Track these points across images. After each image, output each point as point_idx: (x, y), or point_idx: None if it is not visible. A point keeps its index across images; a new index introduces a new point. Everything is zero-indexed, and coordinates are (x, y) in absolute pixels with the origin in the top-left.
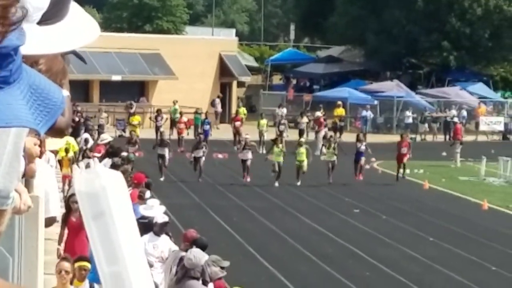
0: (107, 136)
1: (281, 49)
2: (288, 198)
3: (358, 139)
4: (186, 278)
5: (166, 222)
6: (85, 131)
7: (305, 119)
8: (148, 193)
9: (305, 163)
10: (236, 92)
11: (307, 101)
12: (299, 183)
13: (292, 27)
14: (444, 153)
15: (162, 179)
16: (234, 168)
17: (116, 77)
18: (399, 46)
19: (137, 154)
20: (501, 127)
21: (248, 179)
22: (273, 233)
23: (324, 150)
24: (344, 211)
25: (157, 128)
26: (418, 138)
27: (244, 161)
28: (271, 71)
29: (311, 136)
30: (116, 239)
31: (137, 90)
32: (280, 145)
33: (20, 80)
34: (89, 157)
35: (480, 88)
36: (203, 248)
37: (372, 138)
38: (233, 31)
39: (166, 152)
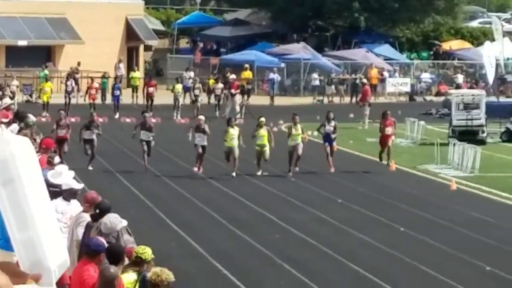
0: (8, 100)
1: (187, 13)
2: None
3: (327, 118)
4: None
5: (76, 188)
6: None
7: (220, 85)
8: (57, 159)
9: (267, 149)
10: (143, 56)
11: (214, 64)
12: (259, 173)
13: None
14: (351, 115)
15: (90, 168)
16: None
17: (22, 42)
18: (305, 8)
19: (44, 119)
20: (407, 89)
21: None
22: (183, 198)
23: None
24: (254, 175)
25: (67, 93)
26: (326, 100)
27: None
28: (178, 34)
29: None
30: (26, 205)
31: (43, 55)
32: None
33: None
34: None
35: (386, 49)
36: (106, 210)
37: (279, 100)
38: None
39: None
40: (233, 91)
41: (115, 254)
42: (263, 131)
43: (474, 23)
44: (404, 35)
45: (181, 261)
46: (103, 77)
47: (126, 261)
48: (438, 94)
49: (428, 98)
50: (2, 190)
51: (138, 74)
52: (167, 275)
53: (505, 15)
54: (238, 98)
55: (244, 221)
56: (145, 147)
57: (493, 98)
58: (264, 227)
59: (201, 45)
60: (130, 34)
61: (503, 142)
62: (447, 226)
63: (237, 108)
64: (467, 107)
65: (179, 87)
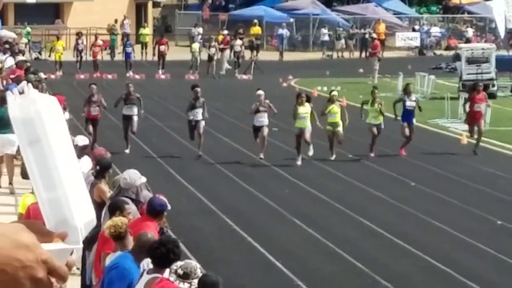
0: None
1: None
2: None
3: (405, 91)
4: (121, 197)
5: (86, 145)
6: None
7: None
8: (67, 115)
9: (340, 128)
10: (152, 13)
11: (223, 20)
12: (333, 157)
13: None
14: (361, 70)
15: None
16: (155, 92)
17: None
18: None
19: (53, 76)
20: (417, 43)
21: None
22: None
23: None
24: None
25: (79, 52)
26: (335, 55)
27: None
28: None
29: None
30: (53, 165)
31: (52, 13)
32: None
33: None
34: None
35: (395, 3)
36: (107, 167)
37: (289, 56)
38: None
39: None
40: (222, 46)
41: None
42: (336, 107)
43: None
44: None
45: (192, 217)
46: (111, 34)
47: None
48: (448, 48)
49: (438, 52)
50: (28, 150)
51: (148, 31)
52: (122, 223)
53: None
54: (226, 53)
55: (253, 176)
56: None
57: (503, 52)
58: (274, 182)
59: (209, 0)
60: None
61: None
62: (458, 181)
63: (226, 65)
64: (477, 61)
65: (195, 46)
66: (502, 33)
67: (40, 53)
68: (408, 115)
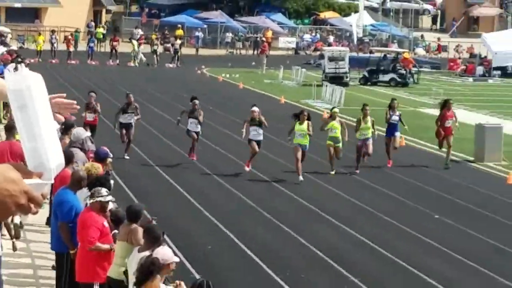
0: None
1: None
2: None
3: (390, 107)
4: (71, 147)
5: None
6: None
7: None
8: None
9: (340, 144)
10: (105, 17)
11: (156, 24)
12: (333, 172)
13: None
14: (253, 63)
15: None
16: (108, 75)
17: (17, 4)
18: None
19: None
20: (293, 45)
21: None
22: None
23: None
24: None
25: (52, 44)
26: (235, 52)
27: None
28: (130, 2)
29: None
30: (36, 124)
31: (33, 14)
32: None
33: None
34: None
35: (279, 17)
36: (71, 126)
37: (202, 51)
38: None
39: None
40: (140, 41)
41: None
42: (336, 124)
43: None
44: (292, 7)
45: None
46: (75, 31)
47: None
48: (315, 50)
49: (308, 52)
50: (18, 113)
51: (102, 30)
52: (96, 168)
53: None
54: (142, 47)
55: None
56: (195, 136)
57: (354, 53)
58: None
59: (146, 10)
60: (96, 1)
61: (361, 85)
62: (317, 142)
63: (141, 56)
64: (336, 59)
65: (135, 43)
66: (354, 40)
67: (23, 43)
68: (392, 128)
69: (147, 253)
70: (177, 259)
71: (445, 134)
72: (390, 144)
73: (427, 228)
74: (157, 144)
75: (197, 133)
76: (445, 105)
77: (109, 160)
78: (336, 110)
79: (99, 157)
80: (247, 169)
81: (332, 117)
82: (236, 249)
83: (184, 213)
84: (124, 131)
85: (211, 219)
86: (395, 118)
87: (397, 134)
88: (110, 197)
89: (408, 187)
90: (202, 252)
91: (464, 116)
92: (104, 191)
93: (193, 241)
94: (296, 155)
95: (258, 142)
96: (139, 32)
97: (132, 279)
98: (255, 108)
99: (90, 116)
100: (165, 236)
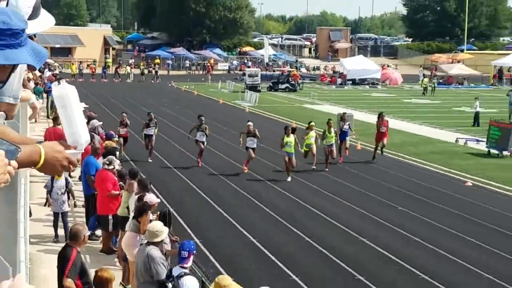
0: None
1: (130, 33)
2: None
3: (342, 119)
4: (89, 132)
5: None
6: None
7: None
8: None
9: (314, 147)
10: (111, 52)
11: (143, 57)
12: (314, 167)
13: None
14: (202, 79)
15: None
16: (114, 87)
17: (58, 45)
18: (183, 33)
19: (68, 79)
20: (226, 68)
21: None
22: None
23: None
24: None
25: (80, 70)
26: (192, 72)
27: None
28: (127, 43)
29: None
30: (72, 116)
31: (67, 51)
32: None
33: (26, 44)
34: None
35: (218, 50)
36: (90, 119)
37: (172, 72)
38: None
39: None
40: (131, 67)
41: None
42: (313, 133)
43: (256, 40)
44: (226, 44)
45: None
46: (93, 61)
47: None
48: (240, 70)
49: (236, 72)
50: (60, 110)
51: (110, 60)
52: (111, 144)
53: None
54: (133, 70)
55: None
56: (201, 146)
57: (263, 72)
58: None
59: (137, 47)
60: (106, 42)
61: (268, 91)
62: (230, 132)
63: (132, 76)
64: (252, 75)
65: (128, 68)
66: (264, 63)
67: (62, 69)
68: (343, 134)
69: (139, 196)
70: (158, 200)
71: (381, 137)
72: (342, 146)
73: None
74: (164, 146)
75: (203, 142)
76: (379, 117)
77: (115, 139)
78: (312, 123)
79: (108, 137)
80: (245, 169)
81: (309, 128)
82: (236, 231)
83: (194, 202)
84: (147, 141)
85: (216, 208)
86: (346, 127)
87: (347, 138)
88: (117, 161)
89: (359, 178)
90: (208, 232)
91: (331, 109)
92: (113, 158)
93: (200, 223)
94: (285, 160)
95: (253, 149)
96: (132, 61)
97: (131, 214)
98: (250, 123)
99: (122, 130)
100: (168, 210)
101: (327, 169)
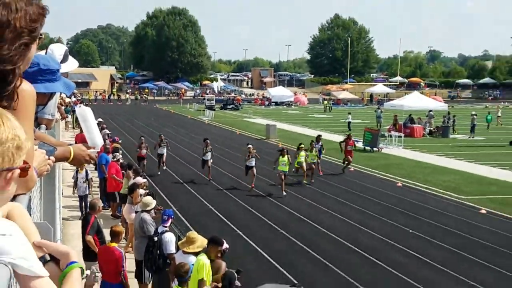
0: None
1: (127, 72)
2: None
3: (316, 139)
4: None
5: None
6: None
7: (146, 94)
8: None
9: (304, 164)
10: (116, 84)
11: (137, 87)
12: (305, 182)
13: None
14: (177, 102)
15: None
16: (118, 107)
17: (79, 80)
18: (163, 71)
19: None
20: (193, 94)
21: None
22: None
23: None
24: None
25: (95, 96)
26: (169, 98)
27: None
28: (126, 78)
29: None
30: (90, 127)
31: (85, 84)
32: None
33: (60, 79)
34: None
35: (187, 83)
36: (101, 129)
37: (157, 98)
38: None
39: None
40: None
41: None
42: (302, 152)
43: (212, 76)
44: (192, 78)
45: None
46: (104, 91)
47: None
48: (201, 96)
49: (199, 97)
50: (82, 123)
51: (115, 90)
52: (117, 145)
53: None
54: (131, 97)
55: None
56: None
57: (217, 97)
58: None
59: (133, 82)
60: (112, 78)
61: (220, 109)
62: (195, 138)
63: (130, 100)
64: (210, 99)
65: (127, 95)
66: (216, 91)
67: (82, 96)
68: (319, 152)
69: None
70: (144, 181)
71: (347, 154)
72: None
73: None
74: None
75: (208, 160)
76: (348, 138)
77: (120, 141)
78: (302, 145)
79: (114, 141)
80: (251, 187)
81: (299, 149)
82: (238, 237)
83: (200, 210)
84: (160, 158)
85: (217, 214)
86: (317, 146)
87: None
88: (120, 156)
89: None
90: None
91: (262, 121)
92: (117, 154)
93: (206, 225)
94: (281, 178)
95: (252, 167)
96: (130, 90)
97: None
98: (250, 145)
99: (142, 152)
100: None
101: (312, 181)
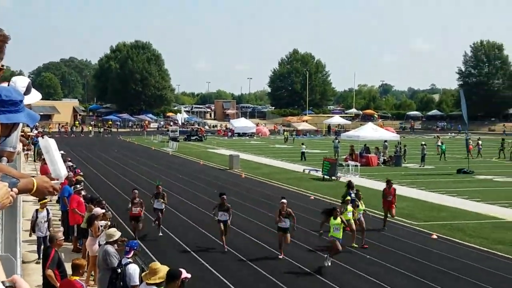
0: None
1: (91, 104)
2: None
3: (350, 186)
4: None
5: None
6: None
7: (109, 126)
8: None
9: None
10: (78, 116)
11: (100, 119)
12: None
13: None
14: (140, 134)
15: (160, 234)
16: (81, 139)
17: (41, 113)
18: (127, 103)
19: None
20: (156, 126)
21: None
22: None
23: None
24: None
25: (59, 129)
26: (132, 130)
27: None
28: (89, 110)
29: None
30: (53, 158)
31: (48, 117)
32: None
33: (24, 110)
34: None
35: (150, 115)
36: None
37: (120, 130)
38: None
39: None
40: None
41: None
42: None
43: (176, 108)
44: (156, 111)
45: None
46: (66, 123)
47: None
48: (165, 127)
49: (163, 128)
50: (46, 154)
51: (77, 123)
52: (80, 177)
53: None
54: (94, 129)
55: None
56: (222, 226)
57: (181, 128)
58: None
59: (96, 114)
60: (75, 110)
61: (184, 141)
62: (159, 169)
63: (93, 132)
64: (174, 131)
65: (90, 127)
66: (180, 123)
67: (44, 129)
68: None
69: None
70: (103, 211)
71: (387, 206)
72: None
73: None
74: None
75: (226, 221)
76: (387, 184)
77: (81, 173)
78: (348, 198)
79: (75, 172)
80: (280, 256)
81: (345, 203)
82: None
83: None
84: (157, 214)
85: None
86: (353, 195)
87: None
88: (81, 187)
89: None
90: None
91: (225, 152)
92: (78, 186)
93: (172, 257)
94: (337, 247)
95: (285, 230)
96: (93, 122)
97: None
98: (284, 200)
99: (135, 210)
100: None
101: (366, 246)
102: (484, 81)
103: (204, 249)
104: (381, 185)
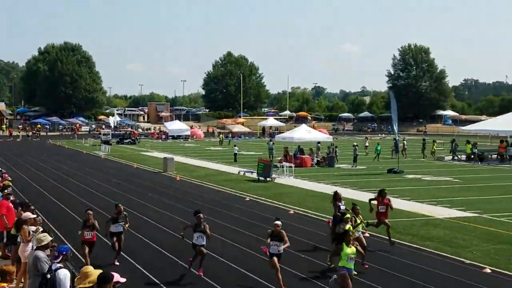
0: None
1: (18, 107)
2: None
3: (338, 198)
4: None
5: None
6: None
7: (38, 130)
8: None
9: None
10: (5, 121)
11: (28, 123)
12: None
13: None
14: (71, 137)
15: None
16: (9, 143)
17: None
18: (56, 106)
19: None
20: (87, 129)
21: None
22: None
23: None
24: None
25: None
26: (63, 133)
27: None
28: (16, 113)
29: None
30: None
31: None
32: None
33: None
34: None
35: (81, 118)
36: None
37: (50, 133)
38: None
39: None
40: (20, 130)
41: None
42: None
43: (108, 111)
44: (87, 114)
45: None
46: None
47: None
48: (97, 131)
49: (96, 132)
50: None
51: (4, 126)
52: (8, 182)
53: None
54: (22, 133)
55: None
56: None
57: (114, 131)
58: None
59: (24, 117)
60: (1, 114)
61: (117, 144)
62: (93, 173)
63: (21, 135)
64: (106, 134)
65: (18, 131)
66: (114, 126)
67: None
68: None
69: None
70: (33, 216)
71: (380, 217)
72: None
73: None
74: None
75: (203, 246)
76: (380, 194)
77: (9, 178)
78: (348, 215)
79: (1, 177)
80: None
81: (345, 221)
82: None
83: None
84: (115, 239)
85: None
86: (342, 207)
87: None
88: (9, 192)
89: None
90: None
91: (162, 155)
92: (6, 190)
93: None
94: (347, 283)
95: (278, 256)
96: (21, 127)
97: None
98: (279, 222)
99: (88, 234)
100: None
101: (367, 266)
102: (412, 83)
103: (139, 253)
104: (314, 185)
